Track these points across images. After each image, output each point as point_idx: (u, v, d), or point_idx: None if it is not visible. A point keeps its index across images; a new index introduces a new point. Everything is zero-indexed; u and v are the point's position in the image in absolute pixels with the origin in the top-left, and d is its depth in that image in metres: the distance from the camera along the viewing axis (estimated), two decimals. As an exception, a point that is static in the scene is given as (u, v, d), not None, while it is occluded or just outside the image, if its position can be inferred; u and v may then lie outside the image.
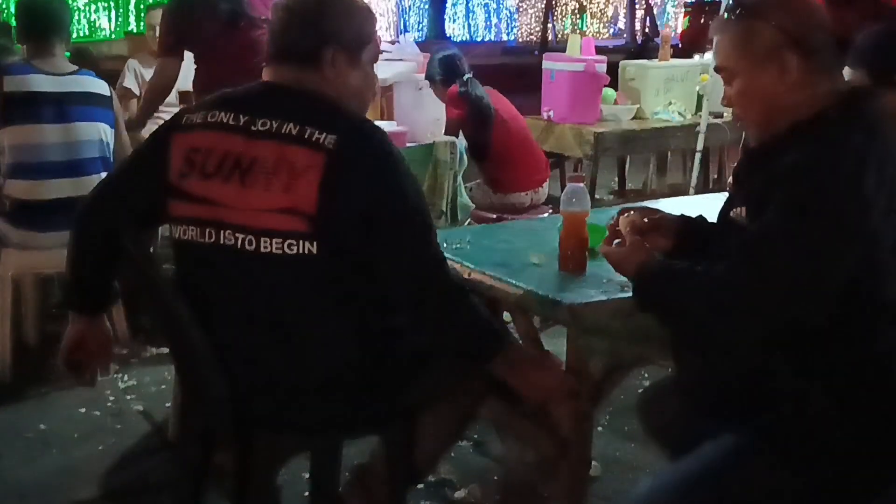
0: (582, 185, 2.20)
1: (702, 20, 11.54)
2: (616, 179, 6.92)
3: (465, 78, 3.94)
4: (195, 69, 3.58)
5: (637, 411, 2.12)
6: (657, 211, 1.99)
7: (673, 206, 2.44)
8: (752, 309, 1.55)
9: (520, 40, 23.63)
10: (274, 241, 1.76)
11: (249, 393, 1.85)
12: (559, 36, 20.45)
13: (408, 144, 4.09)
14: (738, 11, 1.69)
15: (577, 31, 20.65)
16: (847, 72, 2.15)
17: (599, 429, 2.97)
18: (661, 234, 1.94)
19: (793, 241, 1.52)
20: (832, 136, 1.57)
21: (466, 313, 1.87)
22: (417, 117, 4.32)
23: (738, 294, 1.55)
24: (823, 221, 1.51)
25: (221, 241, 1.80)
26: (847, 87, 1.72)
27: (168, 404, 3.18)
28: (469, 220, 3.90)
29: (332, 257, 1.77)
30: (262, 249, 1.77)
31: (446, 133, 4.02)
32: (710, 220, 1.95)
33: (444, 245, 2.40)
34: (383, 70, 4.43)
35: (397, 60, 4.45)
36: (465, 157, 3.66)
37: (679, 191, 5.70)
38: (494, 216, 3.90)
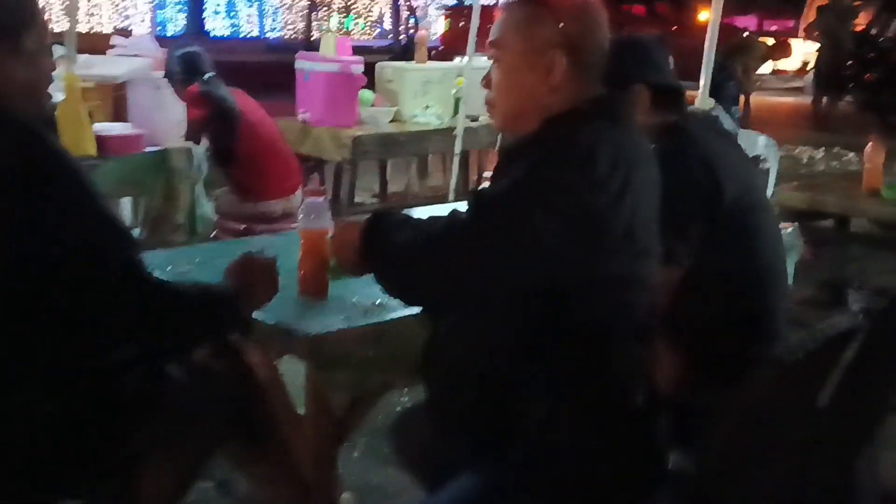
0: (322, 199, 2.00)
1: (461, 24, 11.70)
2: (378, 183, 6.79)
3: (206, 77, 3.62)
4: None
5: (389, 439, 1.96)
6: None
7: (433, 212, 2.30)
8: (463, 263, 1.49)
9: (285, 38, 23.19)
10: None
11: None
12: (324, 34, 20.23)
13: (148, 149, 3.74)
14: None
15: (343, 30, 20.54)
16: None
17: (356, 454, 2.79)
18: None
19: (510, 208, 1.47)
20: (572, 127, 1.54)
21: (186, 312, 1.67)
22: (156, 119, 3.95)
23: (453, 243, 1.50)
24: (547, 200, 1.46)
25: None
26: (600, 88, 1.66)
27: None
28: (215, 231, 3.59)
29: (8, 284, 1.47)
30: None
31: (187, 136, 3.69)
32: None
33: (170, 268, 2.14)
34: (113, 66, 4.04)
35: (130, 56, 4.05)
36: (203, 164, 3.35)
37: (440, 193, 5.66)
38: (243, 227, 3.62)
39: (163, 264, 2.17)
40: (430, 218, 1.60)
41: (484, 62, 5.42)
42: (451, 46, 9.55)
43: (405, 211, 2.10)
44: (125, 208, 3.15)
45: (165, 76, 3.72)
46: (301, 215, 1.99)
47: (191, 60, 3.64)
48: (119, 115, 3.91)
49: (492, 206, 1.52)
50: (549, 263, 1.47)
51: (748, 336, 2.06)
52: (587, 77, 1.59)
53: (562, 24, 1.56)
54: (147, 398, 1.73)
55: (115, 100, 3.91)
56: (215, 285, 1.75)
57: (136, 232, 2.96)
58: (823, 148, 8.78)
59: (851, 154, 7.47)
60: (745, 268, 2.07)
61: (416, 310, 1.88)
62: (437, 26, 15.96)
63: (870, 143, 3.58)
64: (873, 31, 12.22)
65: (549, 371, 1.52)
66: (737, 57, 10.11)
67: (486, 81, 1.65)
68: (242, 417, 1.95)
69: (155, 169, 3.15)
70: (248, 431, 1.95)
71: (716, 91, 3.84)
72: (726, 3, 3.63)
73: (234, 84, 3.91)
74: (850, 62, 11.27)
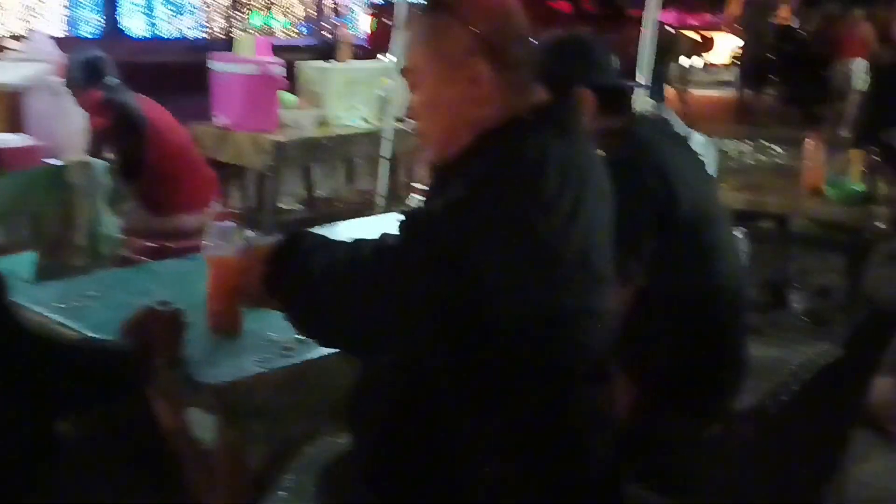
0: (231, 223, 1.77)
1: (387, 22, 11.41)
2: (304, 188, 6.53)
3: (109, 82, 3.33)
4: None
5: (315, 485, 1.74)
6: None
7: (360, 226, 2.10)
8: (393, 297, 1.30)
9: (206, 37, 22.59)
10: None
11: None
12: (248, 33, 19.75)
13: (53, 161, 3.43)
14: (430, 6, 1.42)
15: (265, 29, 20.08)
16: None
17: (282, 493, 2.56)
18: None
19: (443, 229, 1.28)
20: (514, 140, 1.35)
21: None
22: (57, 129, 3.65)
23: (381, 274, 1.31)
24: (487, 219, 1.27)
25: None
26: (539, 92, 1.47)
27: None
28: (123, 251, 3.31)
29: None
30: None
31: (91, 146, 3.39)
32: None
33: (62, 305, 1.88)
34: (7, 72, 3.71)
35: (28, 61, 3.73)
36: (105, 179, 3.06)
37: (369, 198, 5.44)
38: (155, 244, 3.33)
39: (55, 299, 1.92)
40: (354, 241, 1.38)
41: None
42: (378, 46, 9.27)
43: (327, 227, 1.88)
44: (19, 229, 2.86)
45: (66, 83, 3.41)
46: (208, 241, 1.76)
47: (92, 65, 3.33)
48: (15, 125, 3.59)
49: (426, 231, 1.31)
50: (492, 299, 1.28)
51: (707, 358, 1.89)
52: (518, 80, 1.40)
53: (474, 28, 1.36)
54: (35, 457, 1.49)
55: (10, 108, 3.59)
56: (111, 344, 1.51)
57: (31, 256, 2.67)
58: (751, 141, 8.82)
59: (778, 147, 7.49)
60: (701, 283, 1.90)
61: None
62: (364, 25, 15.64)
63: (808, 141, 3.48)
64: (794, 25, 12.40)
65: (494, 417, 1.33)
66: (663, 54, 10.11)
67: (411, 111, 1.45)
68: (150, 473, 1.73)
69: (50, 185, 2.85)
70: (157, 488, 1.73)
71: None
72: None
73: (154, 86, 3.63)
74: (771, 55, 11.39)
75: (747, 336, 1.98)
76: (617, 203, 1.82)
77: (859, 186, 3.38)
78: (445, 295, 1.27)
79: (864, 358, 1.61)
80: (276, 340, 1.70)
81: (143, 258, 3.31)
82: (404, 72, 1.44)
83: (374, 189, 5.24)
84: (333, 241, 1.41)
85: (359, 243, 1.37)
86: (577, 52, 1.96)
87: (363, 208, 5.27)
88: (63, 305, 1.86)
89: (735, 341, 1.95)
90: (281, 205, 5.41)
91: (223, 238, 1.75)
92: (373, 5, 14.39)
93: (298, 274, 1.36)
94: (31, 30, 6.46)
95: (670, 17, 17.87)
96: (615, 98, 1.96)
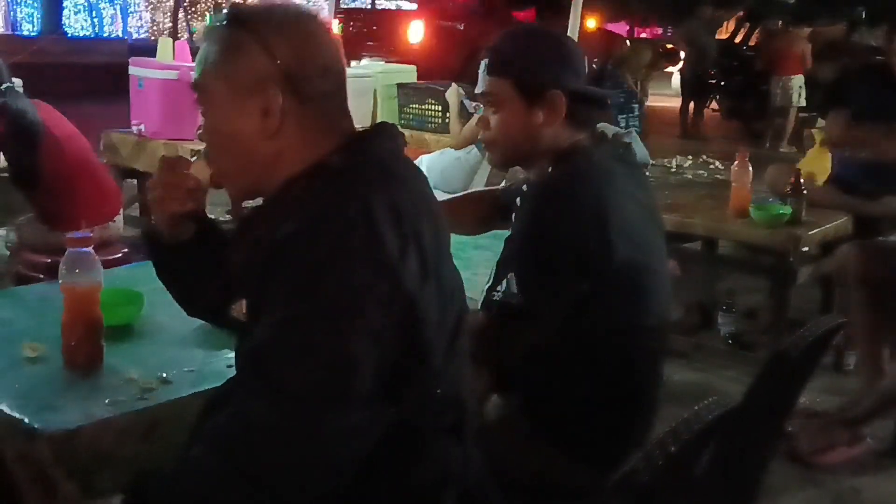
0: (89, 249, 1.62)
1: (353, 27, 11.19)
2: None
3: (3, 87, 3.13)
4: None
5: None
6: None
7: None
8: (296, 450, 1.09)
9: (150, 38, 22.14)
10: None
11: None
12: (196, 35, 19.39)
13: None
14: (230, 19, 1.25)
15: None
16: (486, 81, 1.78)
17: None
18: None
19: (303, 348, 1.09)
20: (332, 194, 1.17)
21: None
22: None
23: (271, 435, 1.09)
24: (336, 309, 1.10)
25: None
26: (350, 128, 1.31)
27: None
28: (18, 267, 3.11)
29: None
30: None
31: (-17, 155, 3.19)
32: None
33: None
34: None
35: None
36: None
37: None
38: (49, 260, 3.14)
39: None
40: (207, 441, 1.14)
41: (362, 68, 5.11)
42: (346, 50, 9.11)
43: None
44: None
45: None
46: (63, 268, 1.60)
47: (-16, 68, 3.14)
48: None
49: (286, 365, 1.10)
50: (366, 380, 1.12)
51: (621, 407, 1.76)
52: (322, 116, 1.25)
53: (274, 51, 1.21)
54: None
55: None
56: None
57: None
58: (691, 156, 8.83)
59: (718, 162, 7.50)
60: (626, 330, 1.73)
61: (202, 391, 1.53)
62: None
63: (736, 162, 3.42)
64: (736, 40, 12.52)
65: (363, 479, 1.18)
66: (625, 64, 10.06)
67: (202, 134, 1.30)
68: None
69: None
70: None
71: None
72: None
73: (93, 87, 3.43)
74: (713, 70, 11.46)
75: (661, 382, 1.85)
76: (545, 231, 1.69)
77: (785, 209, 3.32)
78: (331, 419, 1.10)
79: (766, 406, 1.52)
80: (135, 379, 1.55)
81: (37, 275, 3.12)
82: (194, 87, 1.28)
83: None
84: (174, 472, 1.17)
85: (216, 438, 1.13)
86: (554, 50, 1.78)
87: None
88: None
89: (651, 388, 1.82)
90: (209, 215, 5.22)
91: (79, 265, 1.60)
92: (340, 10, 14.12)
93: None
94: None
95: (621, 28, 17.97)
96: (585, 108, 1.78)
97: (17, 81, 3.33)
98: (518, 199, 1.90)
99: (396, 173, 1.24)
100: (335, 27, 12.41)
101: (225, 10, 1.27)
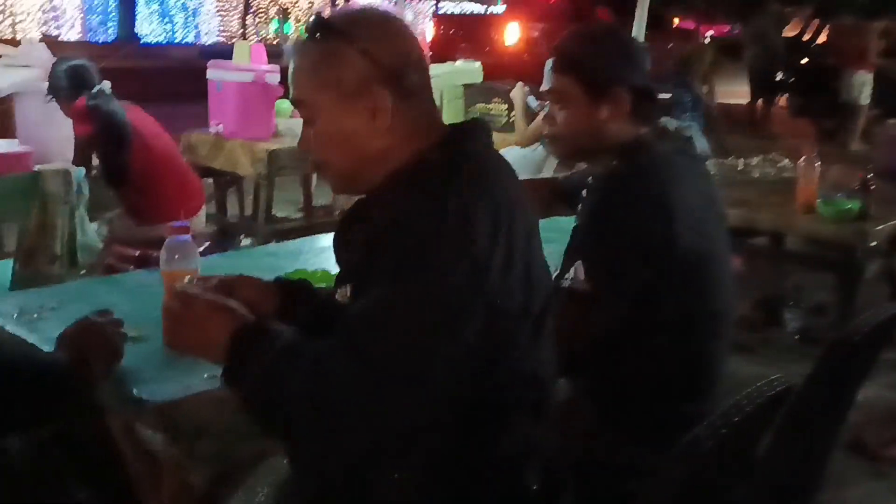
0: (187, 237, 1.75)
1: (449, 31, 11.51)
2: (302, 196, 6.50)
3: (94, 90, 3.32)
4: None
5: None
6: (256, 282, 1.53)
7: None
8: (359, 411, 1.19)
9: (220, 43, 22.65)
10: None
11: None
12: (263, 40, 19.80)
13: (36, 168, 3.42)
14: (320, 32, 1.33)
15: (280, 36, 20.10)
16: (553, 79, 1.88)
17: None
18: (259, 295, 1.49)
19: (389, 326, 1.19)
20: (432, 188, 1.26)
21: None
22: (49, 135, 3.66)
23: (342, 393, 1.19)
24: (423, 295, 1.19)
25: None
26: (449, 125, 1.41)
27: None
28: (106, 259, 3.29)
29: None
30: None
31: (76, 154, 3.38)
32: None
33: (15, 315, 1.86)
34: (-2, 77, 3.72)
35: (20, 66, 3.73)
36: (84, 187, 3.05)
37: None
38: (137, 252, 3.32)
39: (14, 310, 1.90)
40: (315, 353, 1.23)
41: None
42: (439, 54, 9.40)
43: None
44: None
45: (49, 91, 3.40)
46: (164, 256, 1.74)
47: (77, 73, 3.34)
48: (5, 130, 3.59)
49: (371, 336, 1.20)
50: (450, 367, 1.21)
51: (685, 389, 1.83)
52: (421, 107, 1.34)
53: (371, 53, 1.29)
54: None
55: (1, 114, 3.59)
56: (45, 355, 1.49)
57: (8, 264, 2.66)
58: (759, 153, 8.76)
59: (787, 160, 7.43)
60: (690, 317, 1.79)
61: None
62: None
63: (802, 158, 3.43)
64: (805, 37, 12.32)
65: (432, 454, 1.28)
66: (689, 66, 9.97)
67: (305, 143, 1.38)
68: (99, 487, 1.71)
69: (26, 193, 2.84)
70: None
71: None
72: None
73: (167, 90, 3.63)
74: (782, 67, 11.31)
75: (723, 369, 1.91)
76: (611, 221, 1.77)
77: (852, 204, 3.32)
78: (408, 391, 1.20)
79: (828, 390, 1.57)
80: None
81: (126, 266, 3.30)
82: (295, 103, 1.37)
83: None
84: (293, 346, 1.27)
85: (320, 357, 1.22)
86: (620, 49, 1.87)
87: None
88: (16, 317, 1.83)
89: (713, 375, 1.88)
90: (278, 213, 5.39)
91: (178, 252, 1.73)
92: (437, 15, 14.38)
93: (260, 383, 1.25)
94: (24, 36, 6.46)
95: (688, 26, 17.77)
96: (647, 103, 1.86)
97: (107, 84, 3.51)
98: (584, 191, 1.98)
99: (491, 168, 1.33)
100: (429, 32, 12.79)
101: (312, 23, 1.34)
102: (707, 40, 12.32)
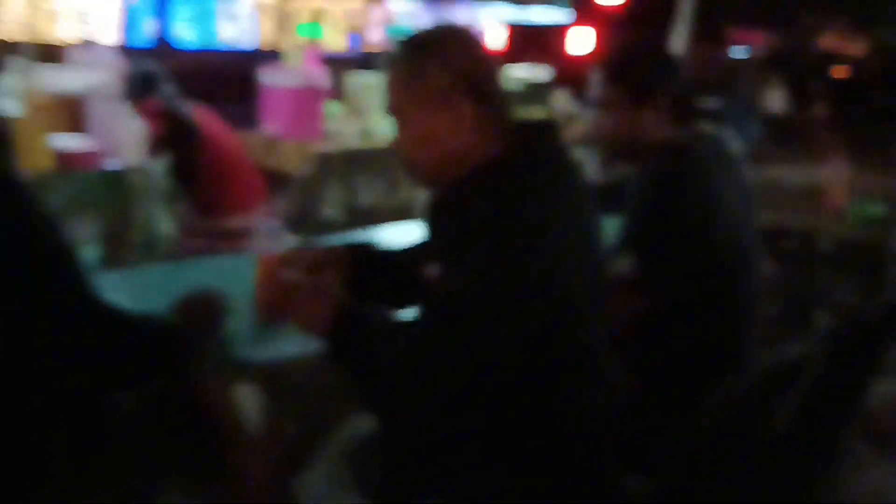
0: (277, 223, 1.95)
1: (517, 39, 11.99)
2: (346, 197, 6.71)
3: (164, 92, 3.55)
4: None
5: (348, 465, 1.90)
6: (325, 247, 1.80)
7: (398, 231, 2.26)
8: (437, 375, 1.42)
9: (255, 47, 22.97)
10: None
11: None
12: (298, 44, 20.01)
13: (109, 166, 3.66)
14: (408, 48, 1.54)
15: (314, 39, 20.34)
16: (600, 87, 2.09)
17: (314, 480, 2.71)
18: (336, 267, 1.75)
19: (476, 305, 1.39)
20: (505, 185, 1.46)
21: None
22: (116, 133, 3.87)
23: (431, 367, 1.42)
24: (504, 281, 1.39)
25: None
26: (520, 124, 1.60)
27: None
28: (177, 250, 3.51)
29: None
30: None
31: (148, 151, 3.60)
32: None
33: (124, 291, 2.07)
34: (72, 79, 3.94)
35: (89, 69, 3.97)
36: (161, 181, 3.27)
37: (409, 207, 5.60)
38: (204, 243, 3.54)
39: (119, 286, 2.11)
40: (409, 333, 1.48)
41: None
42: (509, 59, 9.84)
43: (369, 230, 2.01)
44: (84, 227, 3.07)
45: (123, 92, 3.63)
46: (257, 238, 1.94)
47: (148, 76, 3.56)
48: (78, 128, 3.82)
49: (454, 315, 1.42)
50: (519, 349, 1.42)
51: (714, 367, 2.02)
52: (495, 109, 1.53)
53: (453, 66, 1.48)
54: (89, 426, 1.67)
55: (73, 113, 3.82)
56: (161, 319, 1.69)
57: (93, 251, 2.87)
58: (796, 159, 8.84)
59: (820, 166, 7.54)
60: (722, 305, 2.03)
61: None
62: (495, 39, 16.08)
63: (832, 161, 3.58)
64: (841, 48, 12.35)
65: (501, 404, 1.47)
66: (740, 74, 10.04)
67: (396, 145, 1.58)
68: (195, 444, 1.90)
69: (113, 186, 3.07)
70: (201, 458, 1.89)
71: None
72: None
73: (205, 94, 3.85)
74: (819, 77, 11.36)
75: (750, 342, 2.10)
76: (655, 216, 1.98)
77: (880, 208, 3.46)
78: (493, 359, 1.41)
79: (842, 368, 1.72)
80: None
81: (193, 256, 3.51)
82: (388, 111, 1.55)
83: (414, 198, 5.41)
84: (387, 326, 1.53)
85: (412, 335, 1.46)
86: (661, 60, 2.10)
87: (402, 217, 5.43)
88: (125, 292, 2.03)
89: (742, 353, 2.07)
90: (325, 212, 5.59)
91: (270, 236, 1.93)
92: (508, 24, 14.89)
93: (361, 359, 1.49)
94: (91, 39, 6.71)
95: (743, 35, 17.81)
96: (684, 109, 2.08)
97: (173, 86, 3.73)
98: (628, 191, 2.18)
99: (561, 167, 1.53)
100: (502, 40, 13.24)
101: (400, 41, 1.55)
102: (753, 50, 12.38)
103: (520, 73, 5.51)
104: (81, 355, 1.56)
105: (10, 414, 1.54)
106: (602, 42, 11.14)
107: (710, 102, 3.59)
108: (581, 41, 11.18)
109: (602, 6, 12.07)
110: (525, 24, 13.89)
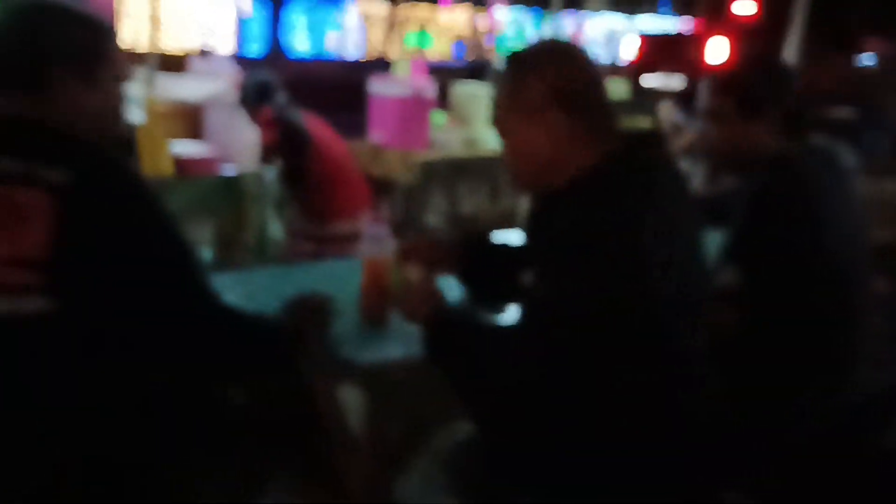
0: (384, 228, 2.02)
1: (652, 48, 12.22)
2: (449, 204, 6.79)
3: (278, 101, 3.69)
4: None
5: (446, 468, 1.95)
6: (439, 241, 1.91)
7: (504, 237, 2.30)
8: (534, 376, 1.45)
9: (364, 57, 23.41)
10: None
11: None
12: (405, 54, 20.31)
13: (224, 171, 3.82)
14: (509, 64, 1.60)
15: (419, 49, 20.60)
16: (709, 97, 2.09)
17: (413, 482, 2.76)
18: (448, 261, 1.89)
19: (570, 310, 1.43)
20: (604, 195, 1.49)
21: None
22: (232, 141, 4.04)
23: (523, 364, 1.46)
24: (602, 290, 1.42)
25: None
26: (625, 136, 1.62)
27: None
28: (286, 253, 3.64)
29: (75, 314, 1.49)
30: None
31: (261, 158, 3.75)
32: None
33: (238, 291, 2.17)
34: (192, 88, 4.14)
35: (207, 78, 4.15)
36: (273, 187, 3.39)
37: (510, 216, 5.63)
38: (312, 247, 3.66)
39: (232, 287, 2.21)
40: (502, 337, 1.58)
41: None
42: (642, 69, 9.97)
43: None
44: (199, 229, 3.23)
45: (239, 101, 3.79)
46: (364, 243, 2.01)
47: (263, 85, 3.70)
48: (196, 135, 4.00)
49: (550, 322, 1.47)
50: (617, 352, 1.45)
51: (818, 385, 1.98)
52: (596, 121, 1.56)
53: (548, 80, 1.53)
54: (202, 421, 1.74)
55: (192, 121, 4.00)
56: (273, 317, 1.77)
57: (208, 253, 3.01)
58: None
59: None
60: (827, 322, 1.97)
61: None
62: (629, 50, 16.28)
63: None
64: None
65: (595, 409, 1.49)
66: (877, 86, 9.68)
67: (503, 155, 1.63)
68: (299, 443, 1.97)
69: (228, 191, 3.21)
70: (305, 457, 1.96)
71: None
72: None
73: (313, 103, 3.97)
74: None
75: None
76: (755, 233, 1.96)
77: None
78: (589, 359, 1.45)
79: None
80: (418, 333, 1.92)
81: (301, 259, 3.63)
82: (494, 123, 1.61)
83: (515, 206, 5.44)
84: (482, 326, 1.64)
85: (509, 339, 1.54)
86: (774, 75, 2.08)
87: (503, 225, 5.48)
88: (238, 291, 2.13)
89: (849, 370, 2.02)
90: (426, 219, 5.69)
91: (376, 241, 1.99)
92: (641, 36, 15.18)
93: (457, 357, 1.58)
94: (209, 49, 6.99)
95: (883, 46, 17.25)
96: (795, 122, 2.05)
97: (286, 96, 3.87)
98: (733, 204, 2.16)
99: (658, 179, 1.55)
100: (634, 48, 13.48)
101: (506, 58, 1.62)
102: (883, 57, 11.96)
103: (652, 83, 5.50)
104: (200, 347, 1.65)
105: (131, 406, 1.63)
106: (736, 51, 11.12)
107: (843, 112, 3.51)
108: (717, 50, 11.16)
109: (737, 16, 12.03)
110: (659, 33, 14.13)
